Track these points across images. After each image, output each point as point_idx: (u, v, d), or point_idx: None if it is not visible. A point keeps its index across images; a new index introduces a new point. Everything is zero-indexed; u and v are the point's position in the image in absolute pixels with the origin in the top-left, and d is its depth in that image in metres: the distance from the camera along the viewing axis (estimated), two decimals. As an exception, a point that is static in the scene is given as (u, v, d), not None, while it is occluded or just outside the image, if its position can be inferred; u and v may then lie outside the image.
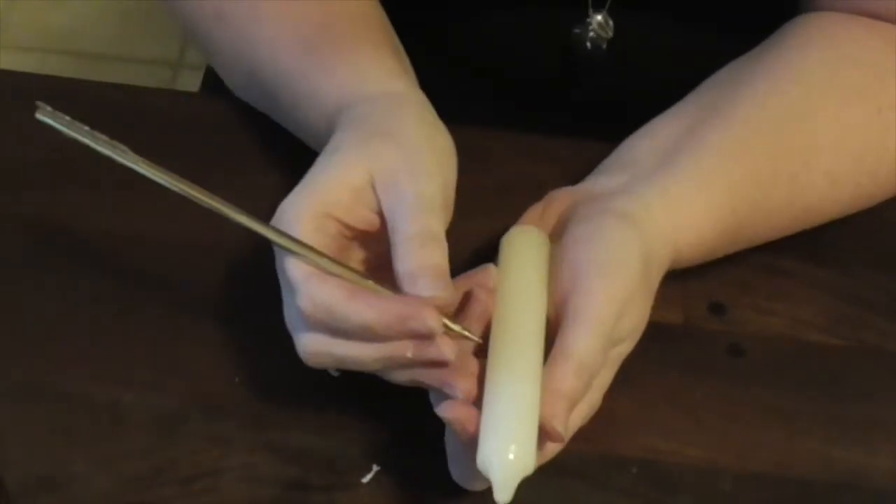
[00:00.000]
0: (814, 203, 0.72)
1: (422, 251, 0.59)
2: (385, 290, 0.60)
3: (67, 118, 0.60)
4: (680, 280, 0.71)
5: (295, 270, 0.60)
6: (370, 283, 0.60)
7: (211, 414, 0.68)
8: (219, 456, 0.66)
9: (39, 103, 0.60)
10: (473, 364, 0.61)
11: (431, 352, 0.59)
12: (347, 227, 0.62)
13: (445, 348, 0.59)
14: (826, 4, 0.76)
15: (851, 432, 0.68)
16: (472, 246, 0.71)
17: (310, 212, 0.61)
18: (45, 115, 0.60)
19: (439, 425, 0.64)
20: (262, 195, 0.69)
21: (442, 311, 0.59)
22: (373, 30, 0.74)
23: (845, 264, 0.75)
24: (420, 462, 0.65)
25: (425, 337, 0.58)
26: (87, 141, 0.60)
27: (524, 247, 0.66)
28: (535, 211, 0.69)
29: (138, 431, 0.67)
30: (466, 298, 0.63)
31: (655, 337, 0.67)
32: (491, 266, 0.64)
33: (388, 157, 0.63)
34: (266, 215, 0.63)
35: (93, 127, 0.80)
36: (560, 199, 0.69)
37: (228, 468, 0.66)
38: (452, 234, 0.69)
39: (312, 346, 0.61)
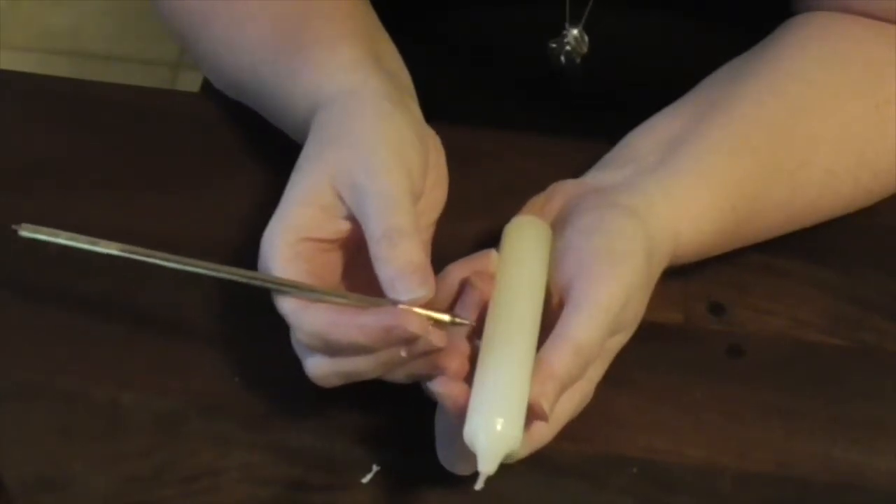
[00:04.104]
0: (813, 199, 0.72)
1: (392, 252, 0.60)
2: (370, 300, 0.61)
3: (49, 229, 0.64)
4: (680, 280, 0.71)
5: (282, 306, 0.62)
6: (353, 299, 0.62)
7: (211, 414, 0.68)
8: (219, 456, 0.66)
9: (19, 226, 0.64)
10: (465, 346, 0.62)
11: (422, 346, 0.60)
12: (325, 241, 0.63)
13: (434, 338, 0.60)
14: (822, 4, 0.76)
15: (851, 432, 0.68)
16: (472, 246, 0.71)
17: (283, 242, 0.63)
18: (29, 232, 0.64)
19: (439, 425, 0.64)
20: (262, 194, 0.69)
21: (427, 305, 0.60)
22: (344, 21, 0.74)
23: (845, 264, 0.75)
24: (420, 462, 0.65)
25: (413, 340, 0.60)
26: (71, 244, 0.64)
27: (526, 236, 0.66)
28: (537, 201, 0.69)
29: (138, 431, 0.67)
30: (463, 286, 0.64)
31: (655, 337, 0.67)
32: (492, 251, 0.65)
33: (345, 162, 0.63)
34: (267, 214, 0.64)
35: (94, 127, 0.81)
36: (563, 190, 0.69)
37: (228, 468, 0.66)
38: (452, 234, 0.69)
39: (318, 369, 0.63)
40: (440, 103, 0.72)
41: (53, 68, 1.80)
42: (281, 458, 0.66)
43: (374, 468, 0.66)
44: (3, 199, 0.76)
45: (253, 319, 0.70)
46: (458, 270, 0.64)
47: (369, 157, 0.63)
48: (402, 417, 0.67)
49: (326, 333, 0.61)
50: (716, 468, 0.66)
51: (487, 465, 0.58)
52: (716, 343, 0.71)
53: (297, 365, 0.68)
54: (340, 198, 0.63)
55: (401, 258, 0.60)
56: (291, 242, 0.62)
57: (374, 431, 0.67)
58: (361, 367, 0.61)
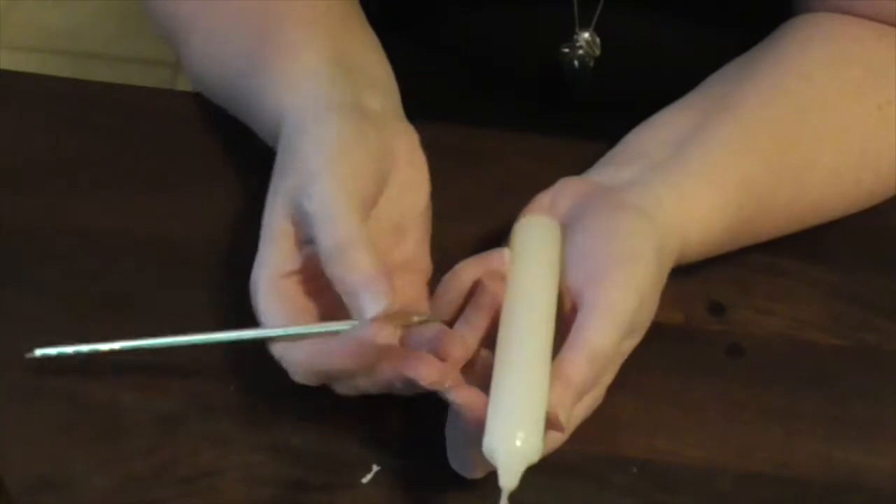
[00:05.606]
0: (817, 200, 0.73)
1: (342, 265, 0.61)
2: (343, 324, 0.62)
3: (68, 349, 0.67)
4: (680, 280, 0.71)
5: (273, 351, 0.64)
6: (325, 326, 0.63)
7: (211, 414, 0.68)
8: (219, 456, 0.66)
9: (31, 355, 0.67)
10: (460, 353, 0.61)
11: (414, 374, 0.60)
12: (302, 271, 0.64)
13: (424, 371, 0.60)
14: (824, 6, 0.76)
15: (851, 432, 0.68)
16: (472, 246, 0.71)
17: (264, 286, 0.64)
18: (43, 353, 0.67)
19: (439, 425, 0.64)
20: (261, 194, 0.69)
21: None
22: (308, 24, 0.73)
23: (845, 264, 0.75)
24: (420, 462, 0.65)
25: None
26: (89, 352, 0.66)
27: (537, 236, 0.66)
28: (543, 200, 0.69)
29: (138, 431, 0.67)
30: (476, 287, 0.63)
31: (655, 337, 0.67)
32: (504, 250, 0.64)
33: (293, 192, 0.64)
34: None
35: (94, 127, 0.81)
36: (570, 189, 0.69)
37: (228, 468, 0.66)
38: (452, 234, 0.69)
39: (338, 389, 0.64)
40: (441, 104, 0.72)
41: (53, 68, 1.80)
42: (281, 458, 0.66)
43: (374, 468, 0.66)
44: (3, 199, 0.76)
45: (253, 320, 0.70)
46: (470, 269, 0.64)
47: (311, 183, 0.63)
48: (401, 417, 0.67)
49: (311, 365, 0.62)
50: (716, 468, 0.66)
51: (509, 480, 0.57)
52: (716, 343, 0.71)
53: (297, 365, 0.68)
54: (300, 225, 0.64)
55: (352, 269, 0.61)
56: (272, 284, 0.64)
57: (374, 431, 0.67)
58: (366, 386, 0.62)
